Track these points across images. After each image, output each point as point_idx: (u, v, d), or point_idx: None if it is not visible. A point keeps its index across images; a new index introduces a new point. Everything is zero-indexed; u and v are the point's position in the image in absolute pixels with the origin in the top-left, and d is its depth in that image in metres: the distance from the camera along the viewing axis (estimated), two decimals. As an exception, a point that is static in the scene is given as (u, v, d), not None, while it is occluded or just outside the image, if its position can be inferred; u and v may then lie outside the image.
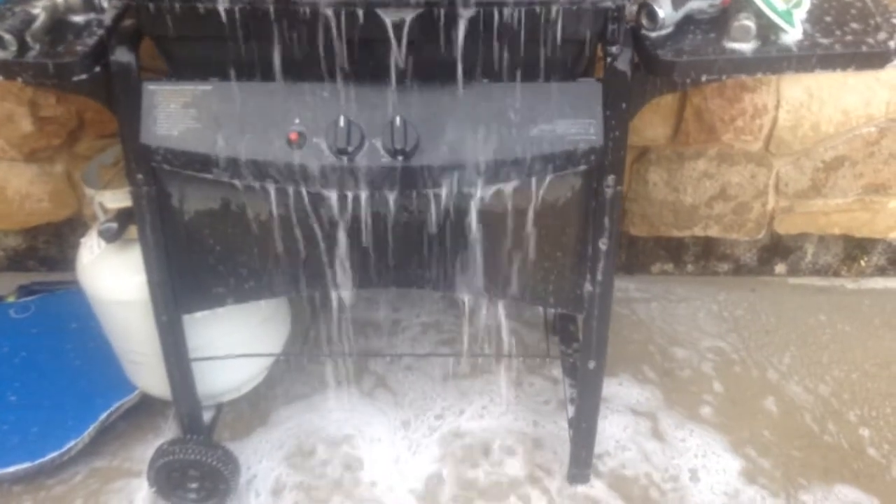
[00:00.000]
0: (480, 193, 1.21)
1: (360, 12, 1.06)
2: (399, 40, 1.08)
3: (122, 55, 1.13)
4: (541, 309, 1.91)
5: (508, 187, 1.20)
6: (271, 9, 1.07)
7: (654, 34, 1.13)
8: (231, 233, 1.29)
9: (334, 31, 1.08)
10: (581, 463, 1.58)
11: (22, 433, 1.60)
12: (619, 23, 1.11)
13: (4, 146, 1.89)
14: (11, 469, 1.55)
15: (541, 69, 1.15)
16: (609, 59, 1.14)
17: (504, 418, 1.74)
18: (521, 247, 1.29)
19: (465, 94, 1.16)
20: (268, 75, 1.15)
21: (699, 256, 2.12)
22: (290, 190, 1.20)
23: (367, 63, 1.13)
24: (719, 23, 1.15)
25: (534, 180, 1.20)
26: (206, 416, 1.56)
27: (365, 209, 1.22)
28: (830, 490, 1.60)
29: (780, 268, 2.14)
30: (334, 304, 1.36)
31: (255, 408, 1.75)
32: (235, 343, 1.52)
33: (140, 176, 1.22)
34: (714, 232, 2.05)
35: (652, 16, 1.12)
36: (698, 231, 2.05)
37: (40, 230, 2.07)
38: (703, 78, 1.13)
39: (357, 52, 1.12)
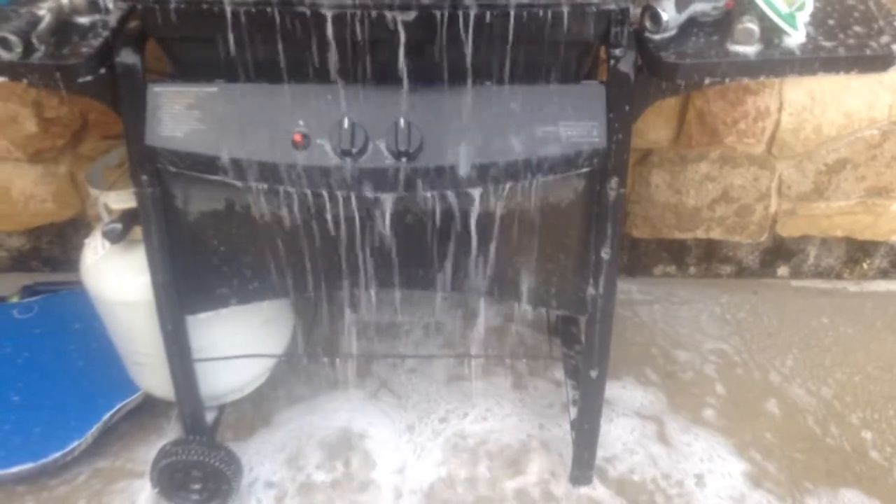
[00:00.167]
0: (484, 195, 1.21)
1: (365, 14, 1.06)
2: (403, 42, 1.08)
3: (127, 57, 1.14)
4: (543, 310, 1.91)
5: (512, 189, 1.21)
6: (276, 11, 1.07)
7: (657, 37, 1.13)
8: (235, 234, 1.29)
9: (338, 33, 1.08)
10: (584, 465, 1.58)
11: (25, 433, 1.60)
12: (622, 25, 1.11)
13: (9, 147, 1.90)
14: (14, 469, 1.55)
15: (544, 71, 1.15)
16: (612, 62, 1.14)
17: (508, 420, 1.74)
18: (524, 248, 1.30)
19: (469, 96, 1.16)
20: (272, 77, 1.15)
21: (701, 259, 2.12)
22: (294, 191, 1.20)
23: (371, 65, 1.13)
24: (722, 25, 1.15)
25: (537, 182, 1.20)
26: (209, 417, 1.56)
27: (368, 211, 1.23)
28: (836, 494, 1.60)
29: (782, 270, 2.14)
30: (337, 305, 1.36)
31: (257, 409, 1.75)
32: (238, 344, 1.52)
33: (145, 177, 1.22)
34: (716, 234, 2.05)
35: (655, 18, 1.12)
36: (701, 233, 2.05)
37: (44, 231, 2.08)
38: (707, 81, 1.13)
39: (361, 53, 1.12)
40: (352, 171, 1.17)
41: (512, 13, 1.07)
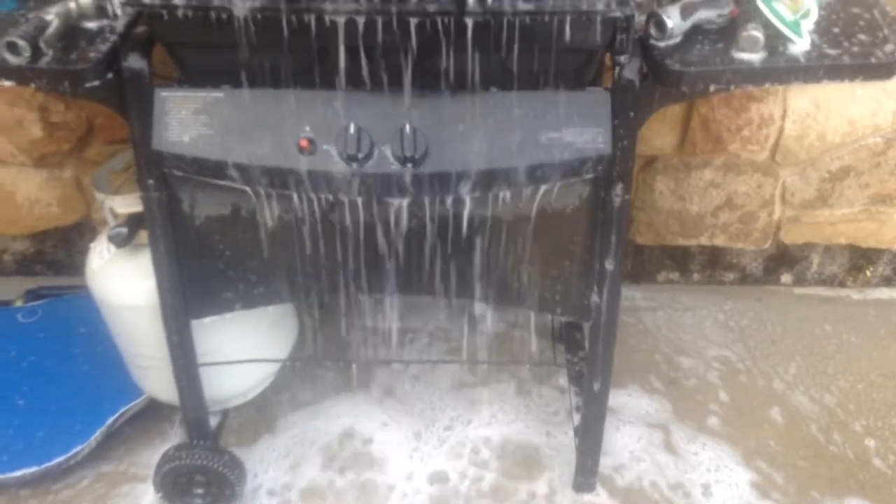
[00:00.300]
0: (489, 201, 1.21)
1: (371, 21, 1.07)
2: (409, 49, 1.09)
3: (134, 62, 1.14)
4: (548, 317, 1.91)
5: (517, 195, 1.21)
6: (283, 17, 1.08)
7: (662, 44, 1.13)
8: (241, 238, 1.30)
9: (345, 39, 1.08)
10: (587, 471, 1.58)
11: (28, 437, 1.61)
12: (627, 32, 1.11)
13: (14, 151, 1.90)
14: (18, 473, 1.56)
15: (550, 78, 1.16)
16: (618, 69, 1.14)
17: (513, 427, 1.73)
18: (528, 255, 1.30)
19: (475, 102, 1.16)
20: (279, 82, 1.16)
21: (705, 265, 2.12)
22: (300, 196, 1.20)
23: (377, 71, 1.14)
24: (727, 33, 1.16)
25: (542, 188, 1.21)
26: (213, 422, 1.56)
27: (374, 216, 1.23)
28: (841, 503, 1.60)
29: (785, 277, 2.14)
30: (342, 310, 1.36)
31: (261, 413, 1.75)
32: (243, 348, 1.53)
33: (151, 181, 1.22)
34: (720, 241, 2.05)
35: (660, 25, 1.13)
36: (704, 240, 2.05)
37: (48, 235, 2.08)
38: (711, 88, 1.13)
39: (367, 59, 1.12)
40: (357, 177, 1.17)
41: (517, 20, 1.07)
